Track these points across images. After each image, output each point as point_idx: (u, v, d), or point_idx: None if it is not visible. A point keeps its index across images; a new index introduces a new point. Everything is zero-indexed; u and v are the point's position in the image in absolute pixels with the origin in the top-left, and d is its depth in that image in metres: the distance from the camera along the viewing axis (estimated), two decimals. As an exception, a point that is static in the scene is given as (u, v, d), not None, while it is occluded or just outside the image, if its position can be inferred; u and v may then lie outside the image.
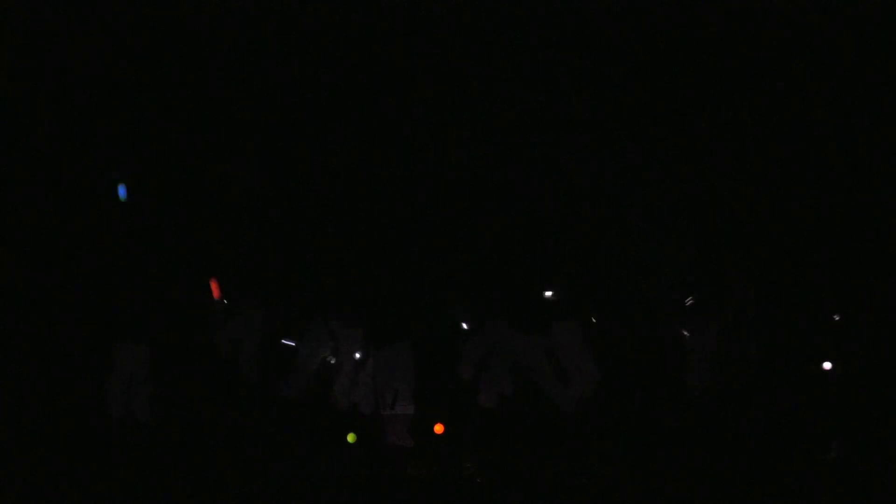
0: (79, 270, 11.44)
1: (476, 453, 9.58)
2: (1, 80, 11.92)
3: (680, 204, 12.01)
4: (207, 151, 12.39)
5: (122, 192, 11.39)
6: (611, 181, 12.24)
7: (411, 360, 10.29)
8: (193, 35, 12.29)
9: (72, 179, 11.86)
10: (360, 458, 9.52)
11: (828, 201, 11.91)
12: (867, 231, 11.69)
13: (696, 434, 10.29)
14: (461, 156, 12.32)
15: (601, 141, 12.32)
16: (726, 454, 9.64)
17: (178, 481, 9.08)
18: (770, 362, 11.09)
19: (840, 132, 12.11)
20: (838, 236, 11.56)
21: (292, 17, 12.36)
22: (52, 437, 10.06)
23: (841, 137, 12.10)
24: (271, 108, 12.43)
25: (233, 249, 11.66)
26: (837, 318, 11.01)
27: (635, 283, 11.62)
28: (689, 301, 11.26)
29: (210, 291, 11.10)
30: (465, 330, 11.06)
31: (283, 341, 11.06)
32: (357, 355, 10.62)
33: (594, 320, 11.13)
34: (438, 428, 10.25)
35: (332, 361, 10.64)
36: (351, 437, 10.05)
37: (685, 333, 11.15)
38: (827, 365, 10.82)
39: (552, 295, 10.98)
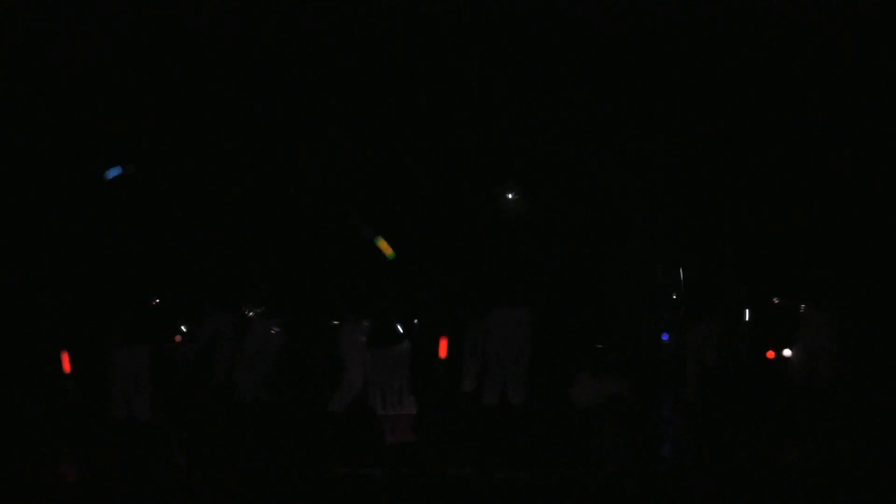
0: (76, 272, 11.45)
1: (477, 453, 9.59)
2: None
3: (675, 205, 12.04)
4: (206, 154, 12.40)
5: (112, 173, 11.40)
6: (611, 181, 12.26)
7: (410, 360, 10.29)
8: (193, 35, 12.30)
9: (69, 182, 11.87)
10: (359, 458, 9.52)
11: (823, 203, 11.93)
12: (863, 233, 11.71)
13: (695, 434, 10.29)
14: (463, 156, 12.34)
15: (601, 141, 12.33)
16: (725, 454, 9.65)
17: (177, 481, 9.09)
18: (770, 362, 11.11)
19: (839, 133, 12.12)
20: (833, 237, 11.58)
21: (292, 17, 12.37)
22: (50, 438, 10.06)
23: (839, 138, 12.12)
24: (269, 108, 12.45)
25: (233, 251, 11.67)
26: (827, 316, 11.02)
27: (632, 285, 11.66)
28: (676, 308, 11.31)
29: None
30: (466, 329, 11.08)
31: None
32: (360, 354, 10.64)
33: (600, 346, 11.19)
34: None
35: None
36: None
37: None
38: (787, 352, 10.87)
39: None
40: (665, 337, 11.37)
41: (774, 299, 11.17)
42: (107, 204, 11.66)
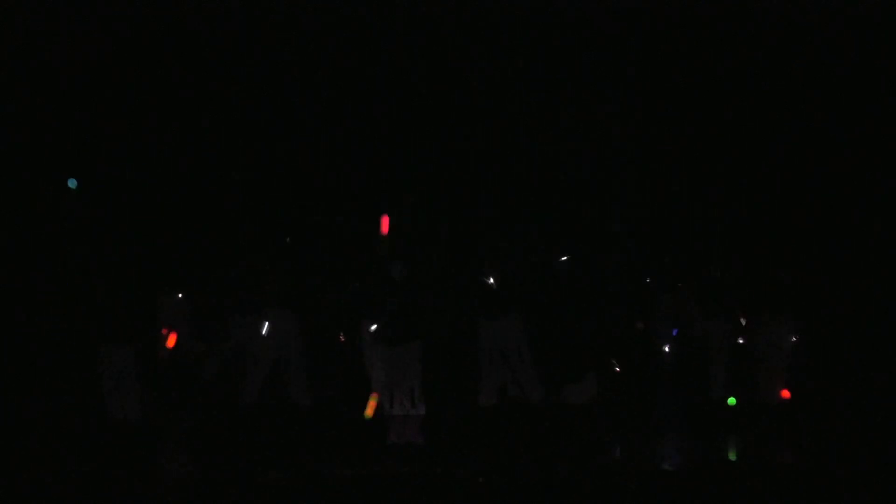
0: (65, 273, 11.45)
1: (479, 453, 9.58)
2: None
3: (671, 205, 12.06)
4: (200, 154, 12.40)
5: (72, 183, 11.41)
6: (611, 182, 12.27)
7: (421, 361, 10.28)
8: (193, 35, 12.30)
9: (59, 183, 11.87)
10: (361, 458, 9.52)
11: (821, 205, 11.95)
12: (861, 234, 11.72)
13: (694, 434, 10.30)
14: (466, 158, 12.35)
15: (599, 142, 12.35)
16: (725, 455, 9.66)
17: (177, 482, 9.08)
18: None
19: (840, 133, 12.13)
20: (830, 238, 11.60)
21: (292, 17, 12.37)
22: (46, 439, 10.05)
23: (839, 138, 12.12)
24: (269, 108, 12.45)
25: (233, 252, 11.67)
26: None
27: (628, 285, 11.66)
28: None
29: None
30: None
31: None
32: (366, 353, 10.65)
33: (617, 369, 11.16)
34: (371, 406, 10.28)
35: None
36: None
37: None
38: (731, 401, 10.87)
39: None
40: (674, 332, 11.32)
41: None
42: (106, 204, 11.66)
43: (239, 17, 12.34)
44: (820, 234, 11.65)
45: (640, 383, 11.23)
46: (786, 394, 10.79)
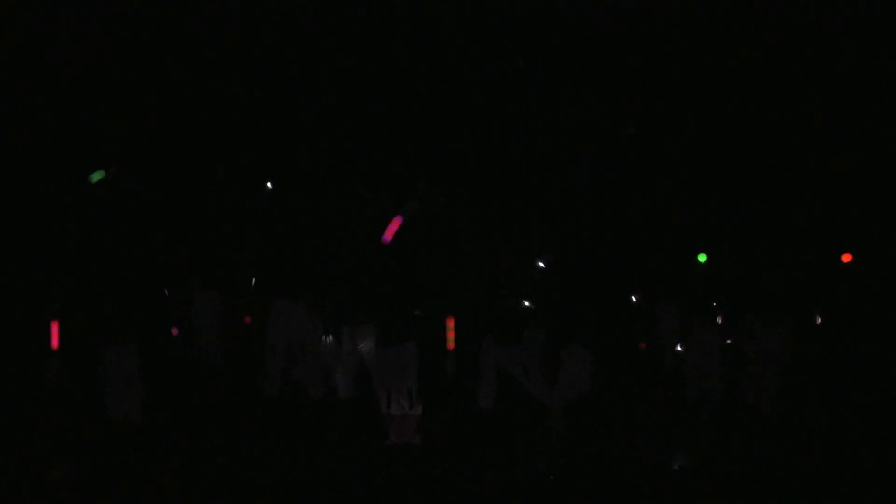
0: (66, 272, 11.45)
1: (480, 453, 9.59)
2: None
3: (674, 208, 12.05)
4: (201, 153, 12.39)
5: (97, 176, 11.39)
6: (611, 183, 12.26)
7: (417, 361, 10.27)
8: (193, 35, 12.30)
9: (67, 183, 11.87)
10: (361, 458, 9.51)
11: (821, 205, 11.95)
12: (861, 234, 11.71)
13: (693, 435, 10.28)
14: (469, 159, 12.34)
15: (599, 142, 12.34)
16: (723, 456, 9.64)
17: (174, 482, 9.07)
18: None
19: (839, 133, 12.12)
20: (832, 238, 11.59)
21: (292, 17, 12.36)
22: (46, 439, 10.04)
23: (839, 138, 12.12)
24: (271, 108, 12.44)
25: (235, 252, 11.67)
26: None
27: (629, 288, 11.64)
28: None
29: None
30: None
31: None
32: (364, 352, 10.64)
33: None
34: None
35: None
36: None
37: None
38: None
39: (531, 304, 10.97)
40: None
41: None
42: (106, 204, 11.65)
43: (239, 17, 12.34)
44: (819, 235, 11.64)
45: (641, 384, 11.22)
46: (847, 257, 10.63)
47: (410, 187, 12.08)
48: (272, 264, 11.07)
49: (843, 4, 12.03)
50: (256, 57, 12.43)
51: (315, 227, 11.60)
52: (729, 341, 11.10)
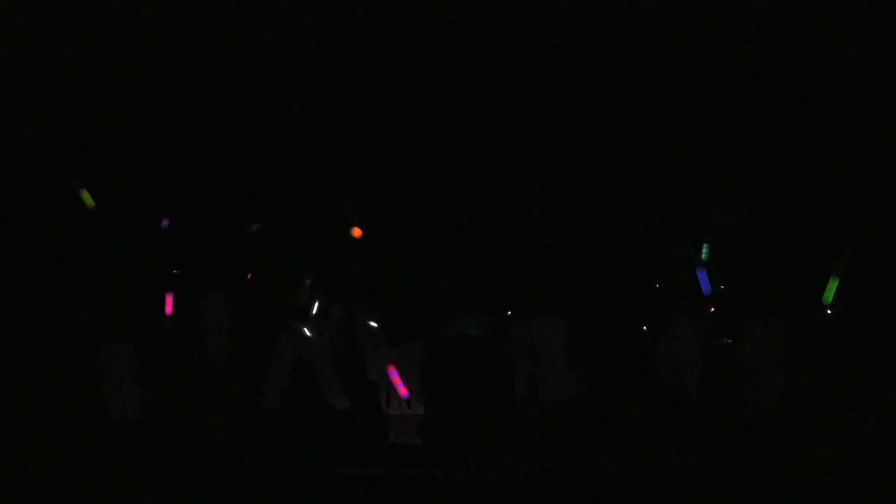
0: (66, 272, 11.46)
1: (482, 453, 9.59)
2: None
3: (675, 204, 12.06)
4: (202, 153, 12.41)
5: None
6: (611, 182, 12.28)
7: (421, 361, 10.26)
8: (193, 35, 12.32)
9: (59, 183, 11.88)
10: (361, 458, 9.53)
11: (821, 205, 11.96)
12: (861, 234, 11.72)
13: (693, 435, 10.29)
14: (472, 159, 12.36)
15: (599, 142, 12.36)
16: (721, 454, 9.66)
17: (174, 481, 9.09)
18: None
19: (840, 132, 12.14)
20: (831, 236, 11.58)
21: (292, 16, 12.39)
22: (46, 439, 10.06)
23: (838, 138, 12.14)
24: (269, 108, 12.45)
25: (237, 252, 11.68)
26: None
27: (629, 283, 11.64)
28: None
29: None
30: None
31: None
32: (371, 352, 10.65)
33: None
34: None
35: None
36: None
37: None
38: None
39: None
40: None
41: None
42: (107, 203, 11.67)
43: (239, 17, 12.36)
44: (819, 235, 11.65)
45: (641, 383, 11.24)
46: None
47: (408, 189, 12.11)
48: (277, 268, 11.10)
49: (844, 4, 12.05)
50: (256, 57, 12.45)
51: (315, 228, 11.62)
52: (729, 341, 11.11)
